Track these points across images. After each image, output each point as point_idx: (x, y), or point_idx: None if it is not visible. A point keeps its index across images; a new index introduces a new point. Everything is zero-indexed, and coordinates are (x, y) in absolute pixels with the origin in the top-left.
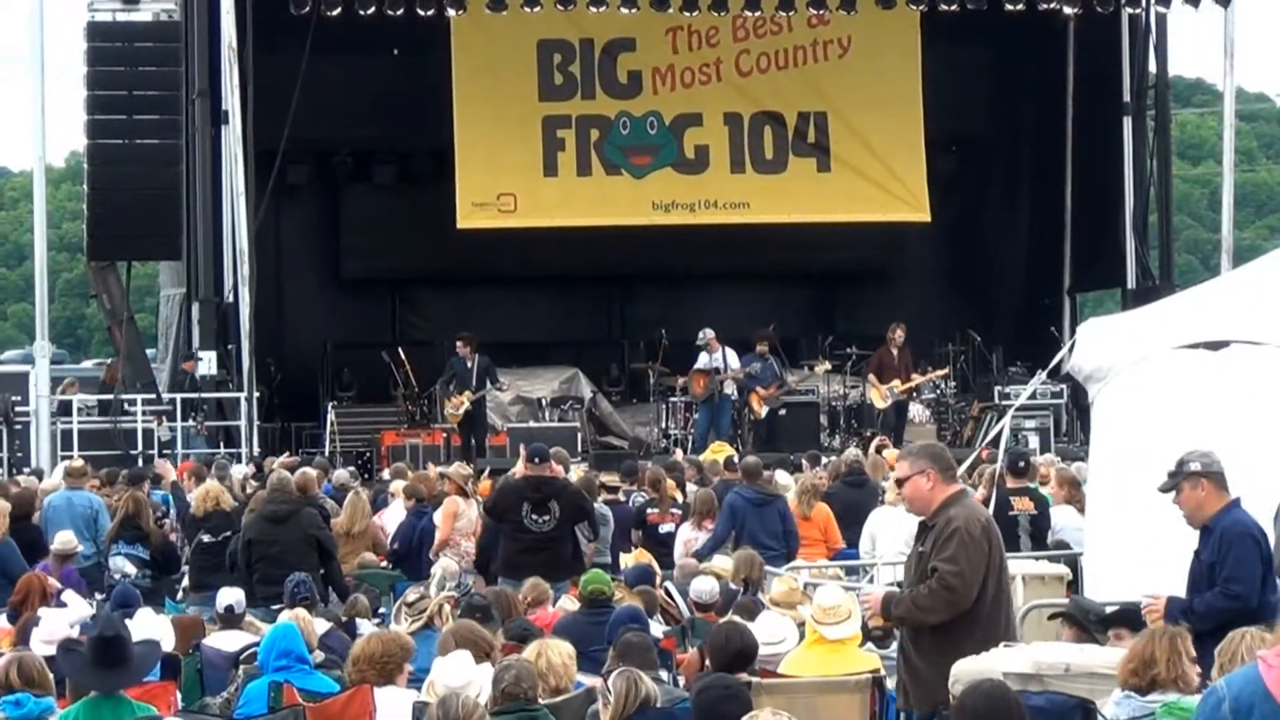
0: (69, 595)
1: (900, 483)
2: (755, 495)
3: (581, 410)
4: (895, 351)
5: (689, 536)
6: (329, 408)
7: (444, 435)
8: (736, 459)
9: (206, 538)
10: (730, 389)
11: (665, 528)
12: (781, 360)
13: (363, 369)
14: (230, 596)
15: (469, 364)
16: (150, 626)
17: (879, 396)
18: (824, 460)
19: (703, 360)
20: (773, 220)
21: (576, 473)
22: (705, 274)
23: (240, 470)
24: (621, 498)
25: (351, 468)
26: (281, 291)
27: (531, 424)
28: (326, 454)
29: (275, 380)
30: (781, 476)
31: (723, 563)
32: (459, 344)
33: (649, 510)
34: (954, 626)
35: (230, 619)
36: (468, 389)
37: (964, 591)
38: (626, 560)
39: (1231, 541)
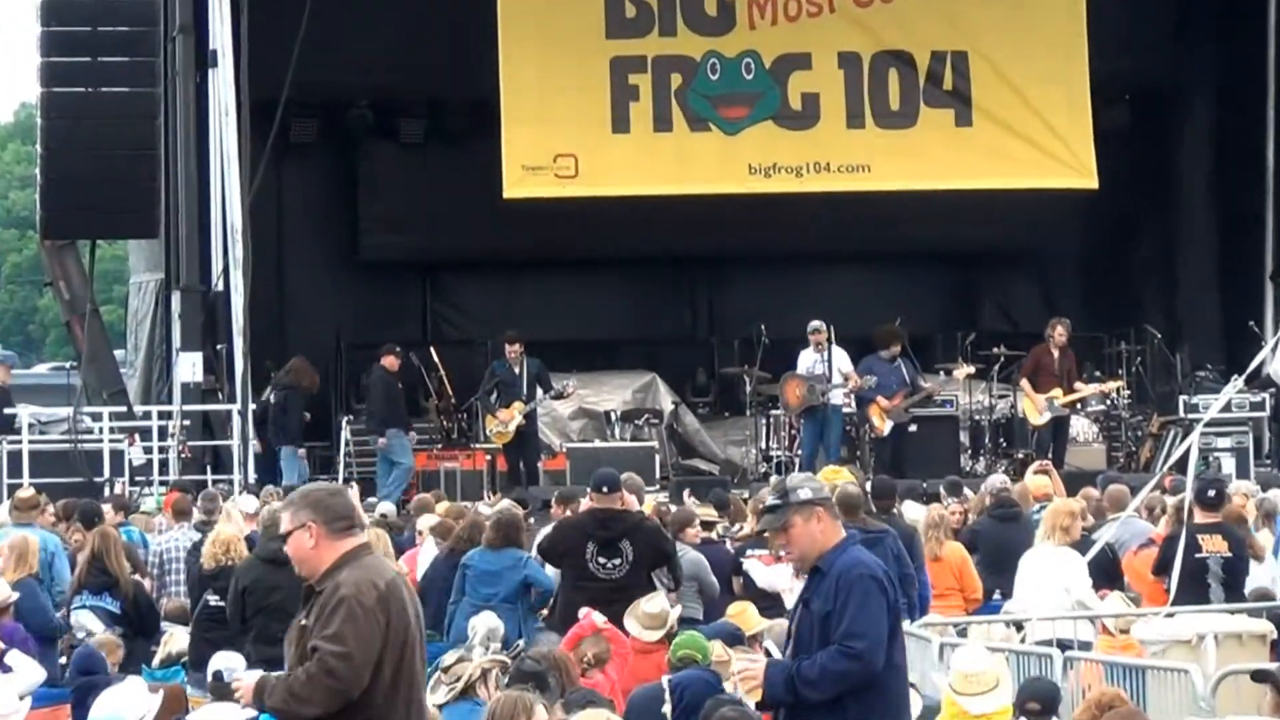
0: (14, 657)
1: (284, 537)
2: (857, 534)
3: (660, 426)
4: (1056, 354)
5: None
6: (344, 423)
7: (487, 458)
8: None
9: (214, 599)
10: (838, 397)
11: (770, 575)
12: (912, 363)
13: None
14: (222, 661)
15: (516, 369)
16: (125, 701)
17: (1034, 409)
18: (967, 490)
19: (803, 362)
20: (899, 187)
21: (649, 506)
22: (815, 255)
23: (248, 503)
24: (716, 536)
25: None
26: (284, 278)
27: (598, 443)
28: (342, 479)
29: None
30: (910, 509)
31: None
32: (506, 345)
33: (753, 551)
34: None
35: (222, 691)
36: (517, 400)
37: (350, 677)
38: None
39: (850, 586)
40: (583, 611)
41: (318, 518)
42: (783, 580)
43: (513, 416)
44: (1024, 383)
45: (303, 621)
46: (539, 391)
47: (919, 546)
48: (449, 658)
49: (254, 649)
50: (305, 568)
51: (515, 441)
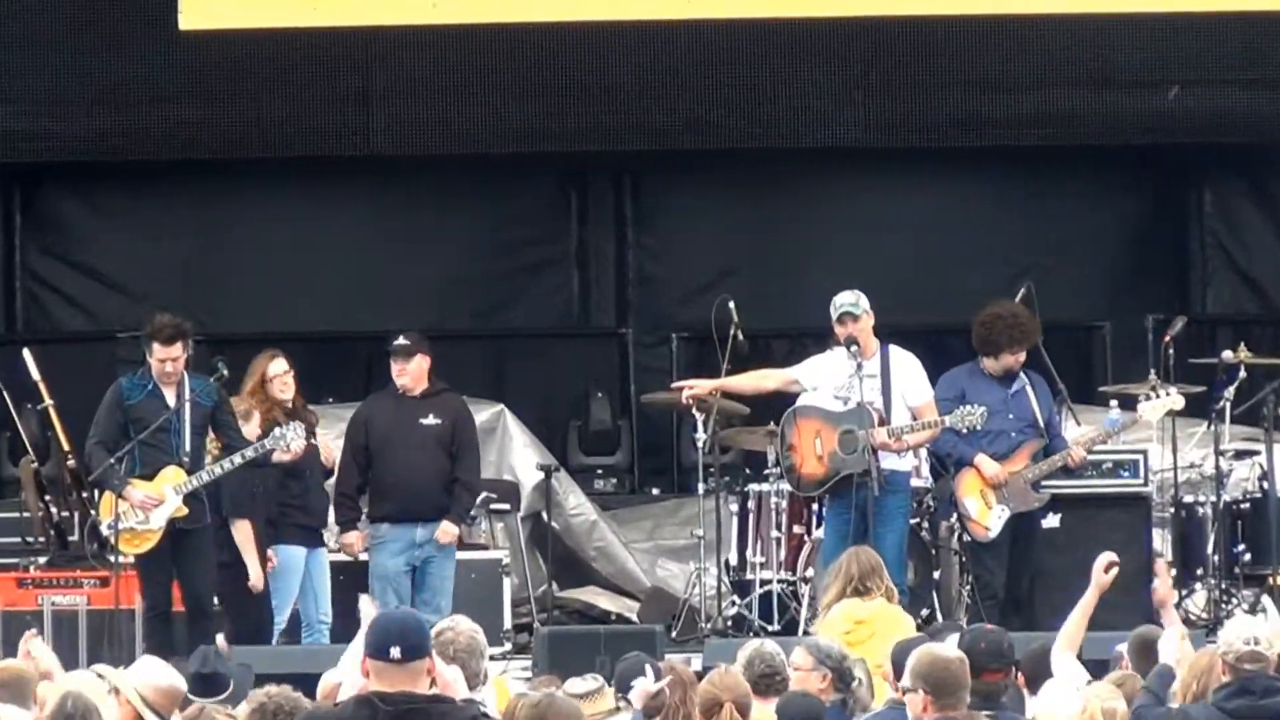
0: None
1: None
2: None
3: (514, 516)
4: None
5: None
6: None
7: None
8: (960, 652)
9: None
10: (903, 460)
11: None
12: (1053, 386)
13: None
14: None
15: (170, 397)
16: None
17: None
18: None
19: (822, 379)
20: (1012, 10)
21: (499, 688)
22: (838, 156)
23: None
24: None
25: None
26: None
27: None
28: None
29: None
30: (1053, 699)
31: None
32: (155, 345)
33: None
34: None
35: None
36: (171, 463)
37: None
38: None
39: None
40: None
41: None
42: None
43: (162, 498)
44: None
45: None
46: (207, 449)
47: None
48: None
49: None
50: None
51: (165, 552)
